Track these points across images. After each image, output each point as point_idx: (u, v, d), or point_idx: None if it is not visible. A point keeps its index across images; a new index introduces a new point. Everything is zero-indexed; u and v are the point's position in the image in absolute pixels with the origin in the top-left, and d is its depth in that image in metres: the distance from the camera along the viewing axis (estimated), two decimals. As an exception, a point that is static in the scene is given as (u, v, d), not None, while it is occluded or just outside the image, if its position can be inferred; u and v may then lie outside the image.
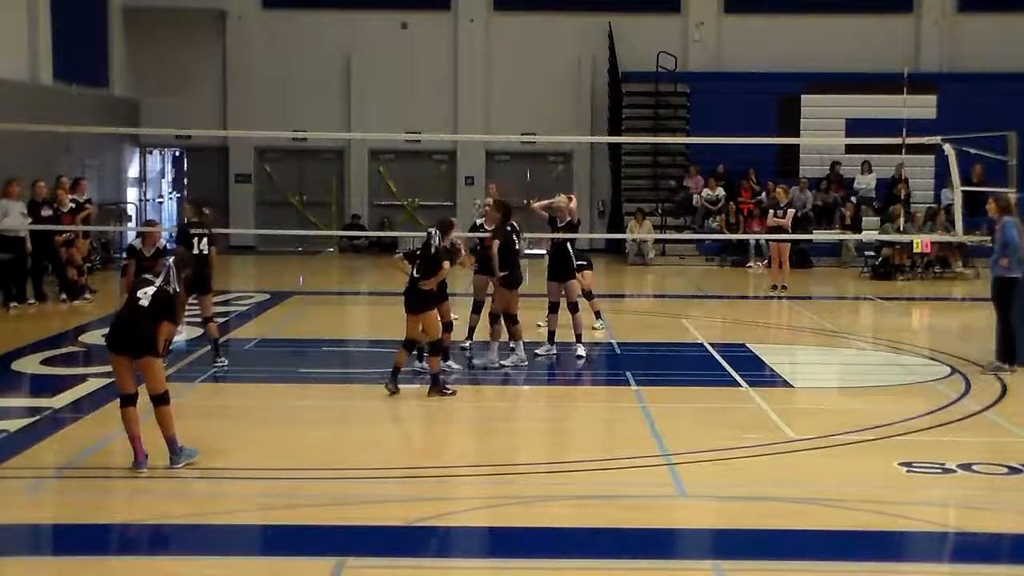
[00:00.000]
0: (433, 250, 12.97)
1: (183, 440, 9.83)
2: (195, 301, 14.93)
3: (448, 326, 14.03)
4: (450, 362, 14.10)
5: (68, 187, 21.45)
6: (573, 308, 15.20)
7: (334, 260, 29.66)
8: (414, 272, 12.91)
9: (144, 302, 9.71)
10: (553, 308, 15.23)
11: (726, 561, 7.88)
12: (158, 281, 9.84)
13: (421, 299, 12.88)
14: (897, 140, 20.94)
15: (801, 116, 30.12)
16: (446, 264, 12.99)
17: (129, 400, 9.74)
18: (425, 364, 13.82)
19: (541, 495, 9.28)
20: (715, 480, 9.78)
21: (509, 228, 14.63)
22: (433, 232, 13.08)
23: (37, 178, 20.66)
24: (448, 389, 12.84)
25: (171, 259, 10.16)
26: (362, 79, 31.42)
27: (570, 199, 15.83)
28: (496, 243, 14.59)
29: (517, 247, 14.68)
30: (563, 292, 15.21)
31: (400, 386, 12.92)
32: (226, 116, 31.21)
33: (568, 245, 15.36)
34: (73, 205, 21.11)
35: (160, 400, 9.72)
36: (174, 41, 31.21)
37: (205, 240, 14.53)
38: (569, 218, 15.47)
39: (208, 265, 14.50)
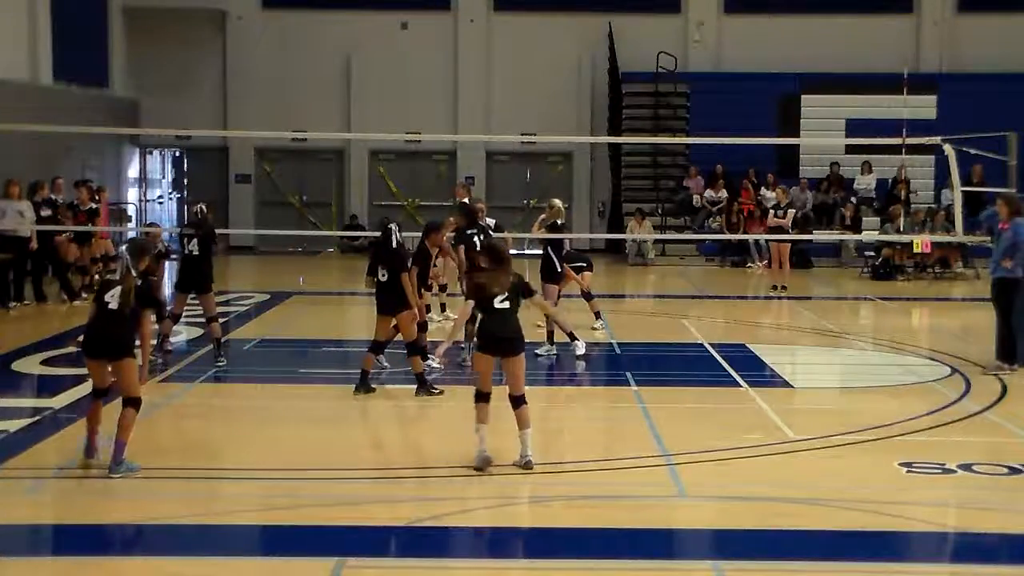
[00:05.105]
0: (395, 244, 12.95)
1: (183, 439, 9.83)
2: (195, 300, 15.00)
3: (423, 326, 13.99)
4: (430, 361, 14.08)
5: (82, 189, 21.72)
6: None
7: (334, 260, 29.65)
8: (379, 276, 12.88)
9: (113, 305, 9.63)
10: None
11: (726, 561, 7.88)
12: (119, 276, 9.75)
13: (394, 299, 12.83)
14: (897, 140, 20.97)
15: (801, 116, 30.13)
16: (413, 270, 13.04)
17: (101, 394, 9.84)
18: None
19: (541, 495, 9.28)
20: (715, 480, 9.78)
21: (471, 232, 14.60)
22: (393, 228, 13.06)
23: (38, 178, 20.70)
24: (436, 388, 12.84)
25: (124, 248, 10.11)
26: (362, 79, 31.43)
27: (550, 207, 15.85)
28: (462, 247, 14.61)
29: (479, 249, 14.60)
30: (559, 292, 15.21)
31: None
32: (226, 116, 31.22)
33: (549, 248, 15.39)
34: (93, 205, 21.34)
35: (131, 403, 9.66)
36: (174, 41, 31.23)
37: (195, 241, 14.55)
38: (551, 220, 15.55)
39: (204, 265, 14.57)
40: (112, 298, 9.62)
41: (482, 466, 9.66)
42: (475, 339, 10.08)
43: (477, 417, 9.86)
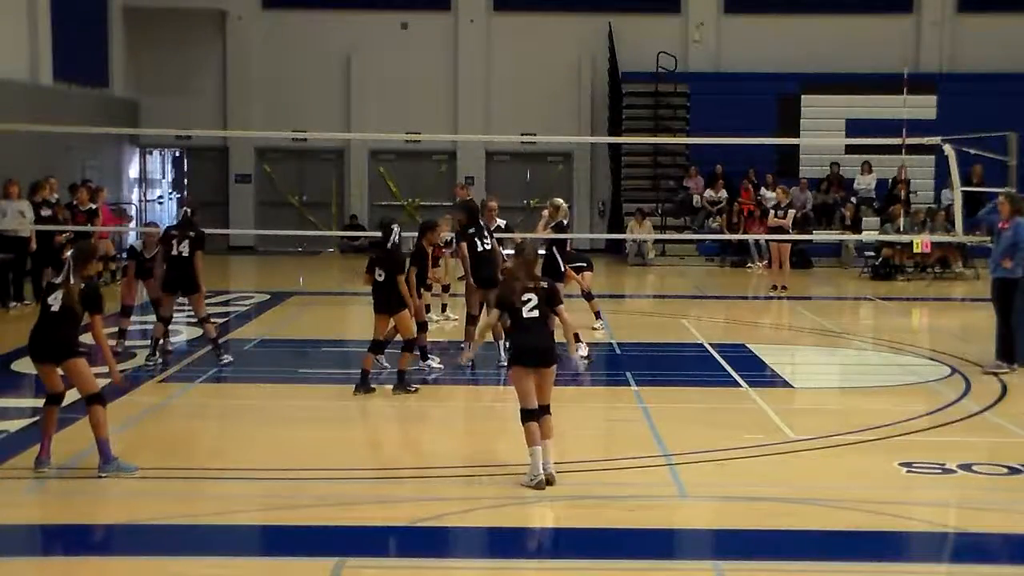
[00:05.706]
0: (391, 245, 12.97)
1: (183, 439, 9.81)
2: (185, 301, 14.97)
3: (423, 326, 13.99)
4: (430, 361, 14.07)
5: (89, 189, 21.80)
6: None
7: (334, 260, 29.65)
8: (376, 276, 12.90)
9: (55, 307, 9.59)
10: None
11: (726, 561, 7.88)
12: (61, 280, 9.67)
13: (390, 299, 12.86)
14: (897, 140, 20.95)
15: (801, 116, 30.13)
16: (412, 271, 13.05)
17: (55, 399, 9.80)
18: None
19: (541, 495, 9.26)
20: (715, 480, 9.77)
21: (472, 230, 14.60)
22: (394, 228, 13.07)
23: (38, 179, 20.69)
24: (412, 387, 12.88)
25: (70, 253, 10.01)
26: (362, 79, 31.42)
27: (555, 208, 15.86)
28: (464, 245, 14.60)
29: (480, 248, 14.53)
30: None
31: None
32: (226, 116, 31.22)
33: (554, 248, 15.40)
34: (93, 206, 21.35)
35: (93, 400, 9.61)
36: (174, 41, 31.23)
37: (185, 242, 14.49)
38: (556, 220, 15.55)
39: (191, 266, 14.49)
40: (55, 301, 9.60)
41: (542, 487, 9.25)
42: (508, 352, 9.85)
43: (528, 440, 9.33)
